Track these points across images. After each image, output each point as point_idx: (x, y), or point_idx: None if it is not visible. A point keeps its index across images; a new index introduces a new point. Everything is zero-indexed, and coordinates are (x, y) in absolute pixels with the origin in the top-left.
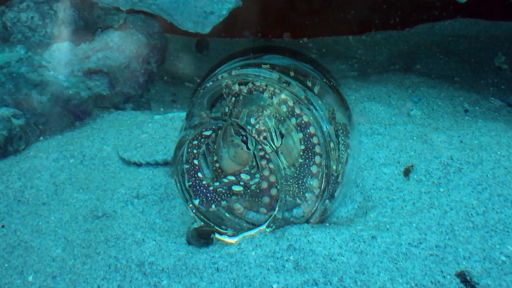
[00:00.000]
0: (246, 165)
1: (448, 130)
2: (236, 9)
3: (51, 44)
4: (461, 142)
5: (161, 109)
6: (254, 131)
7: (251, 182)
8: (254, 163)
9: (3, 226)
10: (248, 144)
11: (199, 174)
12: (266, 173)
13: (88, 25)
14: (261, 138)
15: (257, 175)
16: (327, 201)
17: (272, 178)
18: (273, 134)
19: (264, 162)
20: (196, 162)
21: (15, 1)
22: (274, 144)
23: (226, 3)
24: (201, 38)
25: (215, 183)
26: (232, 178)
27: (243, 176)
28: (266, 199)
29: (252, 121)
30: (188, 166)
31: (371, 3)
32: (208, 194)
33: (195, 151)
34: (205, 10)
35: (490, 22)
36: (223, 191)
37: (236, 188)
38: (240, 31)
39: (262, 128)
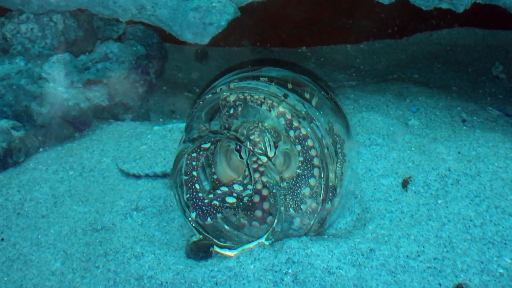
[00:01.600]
0: (240, 174)
1: (446, 140)
2: (235, 19)
3: (50, 56)
4: (459, 153)
5: (160, 119)
6: (249, 144)
7: (244, 194)
8: (247, 173)
9: (2, 239)
10: (242, 153)
11: (197, 186)
12: (259, 186)
13: (87, 36)
14: (257, 149)
15: (250, 186)
16: (325, 212)
17: (265, 192)
18: (267, 143)
19: (257, 175)
20: (195, 173)
21: (15, 12)
22: (267, 154)
23: (225, 14)
24: (200, 48)
25: (209, 195)
26: (225, 189)
27: (236, 187)
28: (259, 213)
29: (248, 132)
30: (186, 178)
31: (369, 12)
32: (204, 207)
33: (194, 163)
34: (204, 21)
35: (487, 31)
36: (218, 204)
37: (230, 200)
38: (239, 41)
39: (257, 139)
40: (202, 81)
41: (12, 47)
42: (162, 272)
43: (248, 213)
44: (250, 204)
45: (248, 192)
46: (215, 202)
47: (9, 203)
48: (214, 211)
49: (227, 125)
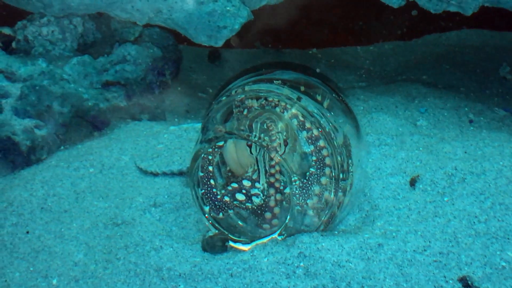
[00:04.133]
0: (248, 164)
1: (453, 140)
2: (248, 22)
3: (71, 57)
4: (465, 152)
5: (176, 119)
6: (266, 144)
7: (252, 191)
8: (256, 167)
9: (27, 232)
10: (252, 149)
11: (212, 181)
12: (272, 203)
13: (105, 39)
14: (273, 155)
15: (257, 184)
16: (335, 209)
17: (277, 210)
18: (276, 141)
19: (272, 191)
20: (210, 168)
21: (37, 15)
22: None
23: (239, 18)
24: (213, 49)
25: (222, 190)
26: (235, 185)
27: (244, 182)
28: (267, 226)
29: (265, 137)
30: (202, 174)
31: (379, 15)
32: (216, 202)
33: (210, 157)
34: (218, 24)
35: (495, 32)
36: (228, 200)
37: (239, 197)
38: (251, 42)
39: (275, 144)
40: (215, 82)
41: (34, 49)
42: (180, 264)
43: (257, 219)
44: (259, 212)
45: (256, 191)
46: (226, 198)
47: (33, 198)
48: (225, 207)
49: (242, 127)
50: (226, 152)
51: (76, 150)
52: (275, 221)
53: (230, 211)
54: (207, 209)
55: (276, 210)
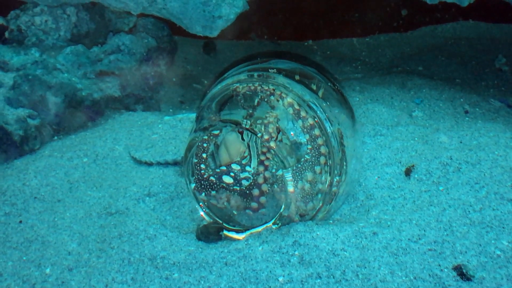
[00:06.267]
0: (238, 153)
1: (449, 131)
2: (243, 12)
3: (64, 47)
4: (461, 142)
5: (170, 110)
6: (260, 134)
7: (241, 175)
8: (246, 154)
9: (20, 222)
10: (244, 136)
11: (202, 166)
12: (260, 180)
13: (99, 29)
14: (266, 138)
15: (248, 168)
16: (331, 198)
17: (265, 187)
18: (269, 129)
19: (261, 168)
20: (204, 156)
21: (29, 5)
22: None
23: (234, 8)
24: (209, 41)
25: (209, 171)
26: (224, 168)
27: (233, 166)
28: (255, 205)
29: (258, 124)
30: (196, 161)
31: (375, 6)
32: (202, 182)
33: (205, 144)
34: (213, 14)
35: (491, 24)
36: (214, 181)
37: (226, 179)
38: (247, 34)
39: (271, 130)
40: (210, 73)
41: (27, 39)
42: (174, 253)
43: (245, 200)
44: (247, 192)
45: (246, 174)
46: (212, 178)
47: (26, 188)
48: (209, 188)
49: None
50: (221, 154)
51: (70, 140)
52: (262, 199)
53: (213, 192)
54: (192, 186)
55: (264, 187)
